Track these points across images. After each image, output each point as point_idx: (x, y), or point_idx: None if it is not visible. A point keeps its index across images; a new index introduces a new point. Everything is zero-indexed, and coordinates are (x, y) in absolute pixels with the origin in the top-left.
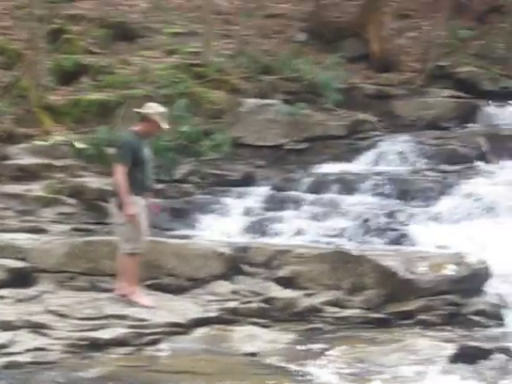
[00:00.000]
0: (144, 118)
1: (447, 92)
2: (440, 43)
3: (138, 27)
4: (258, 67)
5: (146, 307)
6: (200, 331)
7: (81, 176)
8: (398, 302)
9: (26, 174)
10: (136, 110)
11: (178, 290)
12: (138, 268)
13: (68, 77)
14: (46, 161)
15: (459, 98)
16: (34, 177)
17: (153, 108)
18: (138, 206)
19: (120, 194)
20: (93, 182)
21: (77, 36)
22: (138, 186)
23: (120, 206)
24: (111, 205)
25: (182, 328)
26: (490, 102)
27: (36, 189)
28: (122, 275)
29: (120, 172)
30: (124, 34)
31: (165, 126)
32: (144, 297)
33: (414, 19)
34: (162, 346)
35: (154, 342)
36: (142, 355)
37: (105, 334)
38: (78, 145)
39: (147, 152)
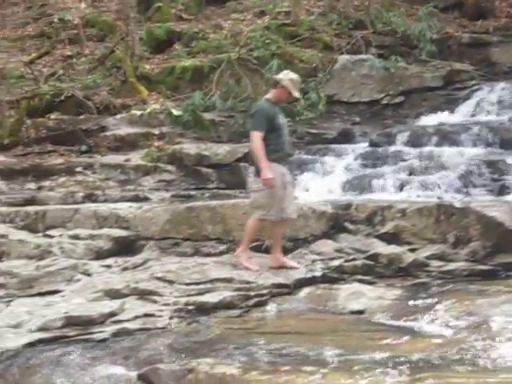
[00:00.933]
0: (275, 84)
1: None
2: None
3: None
4: (350, 23)
5: (252, 270)
6: (305, 291)
7: (178, 143)
8: (505, 252)
9: (125, 144)
10: (270, 77)
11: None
12: (255, 234)
13: (161, 45)
14: (143, 130)
15: None
16: (133, 146)
17: (285, 74)
18: (277, 172)
19: (256, 160)
20: (190, 148)
21: (167, 4)
22: (276, 152)
23: (257, 173)
24: (249, 171)
25: (288, 289)
26: None
27: (135, 158)
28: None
29: (256, 138)
30: None
31: (295, 93)
32: (251, 261)
33: None
34: (268, 307)
35: (260, 304)
36: (248, 317)
37: (211, 298)
38: (175, 112)
39: (282, 118)
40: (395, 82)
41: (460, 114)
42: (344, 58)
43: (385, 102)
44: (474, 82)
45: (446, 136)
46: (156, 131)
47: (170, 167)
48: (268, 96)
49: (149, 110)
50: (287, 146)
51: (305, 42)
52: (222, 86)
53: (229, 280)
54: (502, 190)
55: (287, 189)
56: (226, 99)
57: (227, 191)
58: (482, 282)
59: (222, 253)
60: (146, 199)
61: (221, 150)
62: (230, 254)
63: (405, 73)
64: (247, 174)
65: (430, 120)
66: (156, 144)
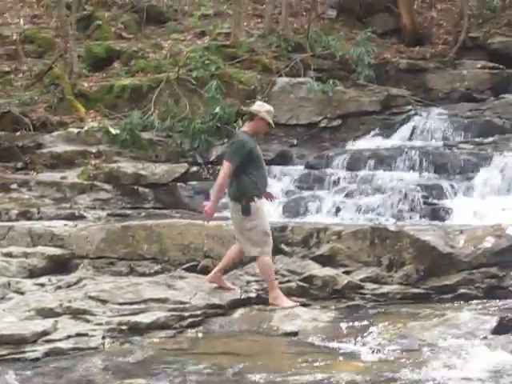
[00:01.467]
0: (253, 117)
1: (480, 63)
2: (471, 14)
3: (168, 10)
4: (289, 46)
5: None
6: (240, 312)
7: (116, 162)
8: (438, 276)
9: (61, 162)
10: (246, 110)
11: None
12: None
13: (100, 63)
14: (80, 148)
15: (493, 68)
16: (69, 164)
17: (260, 106)
18: (261, 208)
19: (215, 190)
20: (127, 167)
21: (107, 22)
22: (261, 188)
23: (246, 212)
24: (236, 208)
25: (222, 309)
26: None
27: (71, 176)
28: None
29: (226, 168)
30: (154, 17)
31: (272, 123)
32: (286, 299)
33: None
34: (202, 328)
35: (194, 325)
36: (182, 338)
37: (145, 318)
38: (112, 130)
39: (260, 151)
40: (333, 105)
41: (396, 139)
42: (283, 81)
43: (322, 124)
44: (410, 107)
45: (382, 160)
46: (93, 149)
47: (106, 186)
48: (245, 129)
49: (86, 127)
50: (267, 179)
51: (244, 64)
52: (160, 106)
53: (163, 300)
54: (435, 215)
55: None
56: (164, 119)
57: (164, 211)
58: (414, 305)
59: (156, 272)
60: (81, 217)
61: (158, 170)
62: (164, 273)
63: (343, 96)
64: (184, 194)
65: (366, 144)
66: (93, 162)
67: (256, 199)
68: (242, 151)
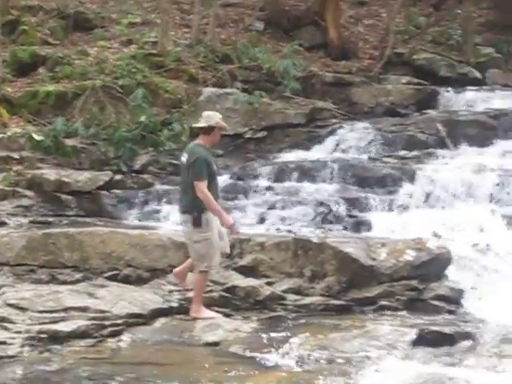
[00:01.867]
0: (210, 131)
1: (405, 79)
2: (397, 30)
3: (95, 17)
4: (216, 56)
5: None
6: (161, 321)
7: (38, 168)
8: (359, 288)
9: None
10: (196, 126)
11: (137, 281)
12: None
13: (25, 68)
14: (2, 153)
15: (417, 84)
16: None
17: (211, 116)
18: (216, 222)
19: (211, 211)
20: (50, 173)
21: (33, 27)
22: (215, 201)
23: (196, 223)
24: (187, 220)
25: (144, 319)
26: (448, 88)
27: None
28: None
29: (202, 188)
30: (81, 24)
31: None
32: (208, 312)
33: (371, 6)
34: (123, 337)
35: (115, 334)
36: (103, 347)
37: (65, 327)
38: (36, 137)
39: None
40: (259, 116)
41: (320, 152)
42: (209, 91)
43: (248, 136)
44: (335, 120)
45: (306, 172)
46: (16, 155)
47: (28, 192)
48: (200, 142)
49: (9, 133)
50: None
51: (171, 73)
52: (85, 113)
53: (84, 309)
54: (358, 227)
55: (223, 239)
56: (88, 126)
57: (87, 219)
58: (336, 316)
59: (78, 281)
60: (2, 224)
61: (82, 177)
62: (86, 282)
63: (268, 108)
64: (108, 202)
65: (291, 156)
66: (15, 168)
67: (206, 211)
68: (205, 166)
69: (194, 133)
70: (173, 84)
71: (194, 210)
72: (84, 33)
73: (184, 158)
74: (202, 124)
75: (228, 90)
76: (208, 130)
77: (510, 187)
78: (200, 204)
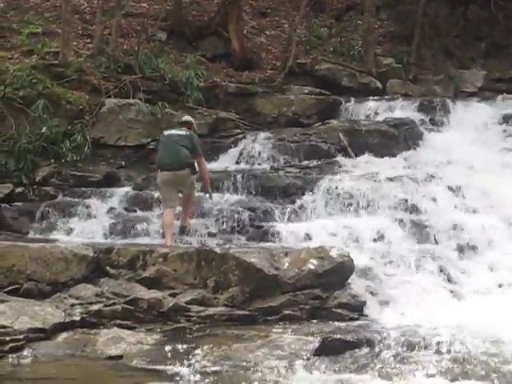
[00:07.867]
0: (188, 124)
1: (307, 89)
2: (299, 41)
3: None
4: (119, 67)
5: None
6: (63, 336)
7: None
8: (263, 298)
9: None
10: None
11: (39, 295)
12: None
13: None
14: None
15: (319, 94)
16: None
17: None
18: None
19: (206, 178)
20: None
21: None
22: None
23: (194, 171)
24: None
25: (45, 333)
26: (351, 98)
27: None
28: None
29: (204, 162)
30: None
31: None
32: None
33: (273, 17)
34: (24, 352)
35: (15, 350)
36: (3, 363)
37: None
38: None
39: None
40: (162, 127)
41: (224, 162)
42: (111, 102)
43: (151, 146)
44: (238, 130)
45: (210, 182)
46: None
47: None
48: (187, 131)
49: None
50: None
51: (72, 84)
52: None
53: None
54: (262, 237)
55: None
56: None
57: None
58: (240, 326)
59: None
60: None
61: None
62: None
63: (171, 119)
64: (8, 215)
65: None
66: None
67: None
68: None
69: (96, 144)
70: (75, 95)
71: (192, 166)
72: None
73: (174, 132)
74: (186, 118)
75: (131, 101)
76: (189, 125)
77: (410, 195)
78: (192, 161)
